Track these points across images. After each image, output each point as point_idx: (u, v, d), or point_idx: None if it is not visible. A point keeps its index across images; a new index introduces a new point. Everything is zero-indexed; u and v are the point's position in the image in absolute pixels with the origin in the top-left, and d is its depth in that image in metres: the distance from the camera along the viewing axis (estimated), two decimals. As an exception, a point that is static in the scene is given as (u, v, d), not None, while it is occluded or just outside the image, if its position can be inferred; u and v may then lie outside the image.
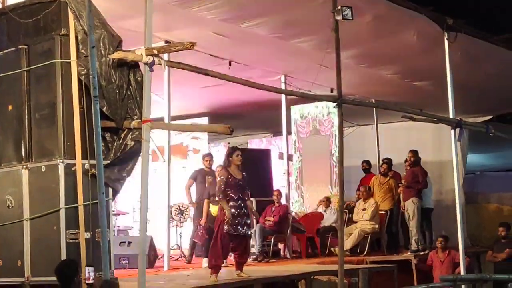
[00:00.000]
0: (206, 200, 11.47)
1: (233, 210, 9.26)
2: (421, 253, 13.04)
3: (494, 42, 12.44)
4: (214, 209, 11.62)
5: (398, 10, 10.68)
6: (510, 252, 12.97)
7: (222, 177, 9.44)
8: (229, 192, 9.37)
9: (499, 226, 13.40)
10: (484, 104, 15.53)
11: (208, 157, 12.76)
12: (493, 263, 13.22)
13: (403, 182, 13.50)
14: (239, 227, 9.28)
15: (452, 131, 11.22)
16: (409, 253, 13.10)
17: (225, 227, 9.20)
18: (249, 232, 9.73)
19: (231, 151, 9.64)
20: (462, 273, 11.00)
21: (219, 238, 9.20)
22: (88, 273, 6.92)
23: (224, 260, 10.15)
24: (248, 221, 9.62)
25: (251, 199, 12.86)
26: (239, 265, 9.54)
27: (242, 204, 9.44)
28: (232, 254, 10.00)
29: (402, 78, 13.59)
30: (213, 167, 12.83)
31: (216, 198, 9.72)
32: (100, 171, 6.86)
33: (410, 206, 13.16)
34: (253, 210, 11.19)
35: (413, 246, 13.10)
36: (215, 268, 9.16)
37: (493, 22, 11.83)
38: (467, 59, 12.34)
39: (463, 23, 11.57)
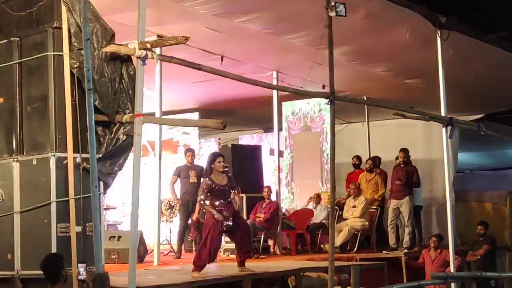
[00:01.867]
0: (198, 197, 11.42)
1: (223, 214, 9.23)
2: (411, 251, 13.07)
3: (487, 40, 12.46)
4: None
5: (391, 7, 10.67)
6: (486, 249, 13.06)
7: (205, 188, 9.23)
8: (216, 201, 9.25)
9: (477, 225, 13.46)
10: (475, 102, 15.57)
11: (190, 152, 12.76)
12: (474, 262, 13.29)
13: (400, 178, 13.36)
14: (227, 223, 9.27)
15: (444, 129, 11.24)
16: (405, 250, 13.06)
17: (224, 229, 9.19)
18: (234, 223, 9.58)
19: (213, 157, 9.39)
20: (452, 271, 11.02)
21: (209, 240, 9.12)
22: (79, 269, 6.88)
23: None
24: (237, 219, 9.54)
25: (241, 194, 12.94)
26: (241, 260, 9.50)
27: (226, 207, 9.38)
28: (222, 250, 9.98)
29: (394, 76, 13.60)
30: (196, 162, 12.85)
31: (204, 205, 9.47)
32: (93, 165, 6.84)
33: (405, 205, 13.14)
34: (237, 206, 11.08)
35: (406, 243, 13.11)
36: (200, 267, 9.10)
37: (486, 21, 11.84)
38: (459, 57, 12.36)
39: (455, 21, 11.58)
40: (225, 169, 9.46)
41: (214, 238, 9.15)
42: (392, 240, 13.29)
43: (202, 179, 9.67)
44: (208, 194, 9.22)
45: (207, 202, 9.28)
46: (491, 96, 15.09)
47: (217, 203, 9.21)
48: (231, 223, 9.24)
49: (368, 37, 11.32)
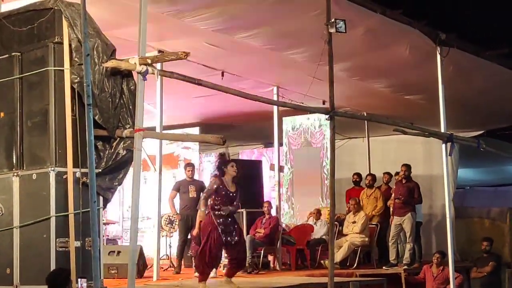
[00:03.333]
0: (199, 211, 11.40)
1: (223, 220, 9.16)
2: (411, 267, 13.06)
3: (487, 57, 12.50)
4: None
5: (391, 24, 10.72)
6: (493, 265, 13.01)
7: (214, 185, 9.14)
8: (218, 201, 9.19)
9: (482, 241, 13.43)
10: (475, 119, 15.59)
11: (190, 167, 12.72)
12: (479, 279, 13.24)
13: (399, 197, 13.40)
14: (231, 236, 9.19)
15: (443, 145, 11.25)
16: (404, 266, 13.03)
17: (222, 237, 9.08)
18: (237, 238, 9.50)
19: (226, 161, 9.32)
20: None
21: (209, 247, 9.05)
22: (80, 284, 6.87)
23: (214, 270, 10.13)
24: (236, 226, 9.47)
25: (241, 210, 12.94)
26: (233, 273, 9.48)
27: (230, 216, 9.32)
28: (222, 265, 9.95)
29: (394, 92, 13.62)
30: (196, 177, 12.84)
31: (201, 207, 9.43)
32: (92, 180, 6.85)
33: (407, 221, 13.11)
34: None
35: (406, 259, 13.09)
36: (203, 275, 9.07)
37: (486, 37, 11.88)
38: (459, 74, 12.39)
39: (455, 38, 11.63)
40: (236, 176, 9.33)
41: (215, 244, 9.04)
42: (392, 256, 13.26)
43: (208, 185, 9.53)
44: (209, 196, 9.15)
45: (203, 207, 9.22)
46: (491, 112, 15.11)
47: (221, 213, 9.15)
48: (235, 238, 9.19)
49: (368, 54, 11.36)
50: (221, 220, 9.12)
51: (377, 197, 14.23)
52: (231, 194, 9.23)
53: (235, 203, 9.30)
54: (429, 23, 11.23)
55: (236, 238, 9.20)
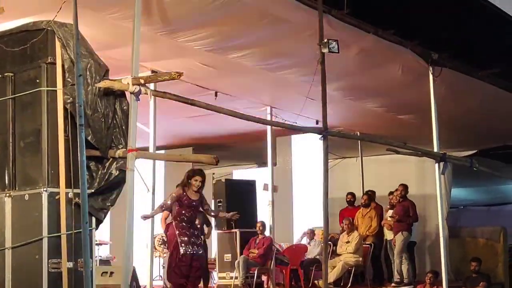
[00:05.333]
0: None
1: (184, 231, 9.33)
2: (405, 287, 13.03)
3: (479, 77, 12.55)
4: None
5: (383, 44, 10.77)
6: (484, 286, 13.00)
7: (174, 194, 9.54)
8: (182, 211, 9.45)
9: (471, 261, 13.43)
10: (468, 138, 15.62)
11: None
12: None
13: (393, 216, 13.47)
14: (194, 247, 9.34)
15: (436, 164, 11.27)
16: (392, 285, 13.06)
17: (182, 248, 9.24)
18: (201, 252, 9.68)
19: (192, 174, 9.67)
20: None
21: (174, 257, 9.24)
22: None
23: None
24: (199, 241, 9.63)
25: (235, 230, 12.95)
26: None
27: (193, 226, 9.48)
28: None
29: (387, 111, 13.66)
30: None
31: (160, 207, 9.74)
32: (84, 200, 6.82)
33: (398, 239, 13.16)
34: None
35: (396, 278, 13.09)
36: (176, 286, 9.12)
37: (478, 57, 11.92)
38: (452, 94, 12.43)
39: (448, 58, 11.67)
40: (199, 190, 9.57)
41: (179, 256, 9.19)
42: (385, 275, 13.27)
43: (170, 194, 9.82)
44: (172, 203, 9.39)
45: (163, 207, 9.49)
46: (484, 132, 15.14)
47: (183, 224, 9.34)
48: (199, 251, 9.32)
49: (361, 73, 11.39)
50: (183, 230, 9.26)
51: (372, 217, 14.24)
52: (193, 203, 9.51)
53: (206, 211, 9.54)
54: (421, 43, 11.27)
55: (201, 251, 9.33)
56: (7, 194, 7.62)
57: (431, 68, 11.45)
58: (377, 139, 13.27)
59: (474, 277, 13.25)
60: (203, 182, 9.65)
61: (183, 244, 9.33)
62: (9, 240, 7.53)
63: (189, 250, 9.37)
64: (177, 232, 9.44)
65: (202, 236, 11.41)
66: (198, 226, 9.95)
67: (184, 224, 9.53)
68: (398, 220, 13.31)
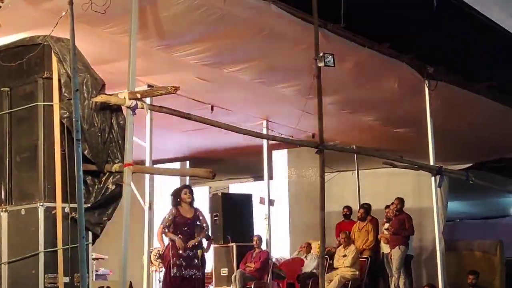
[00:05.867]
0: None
1: (180, 251, 9.33)
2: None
3: (475, 90, 12.57)
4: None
5: (379, 58, 10.79)
6: None
7: (169, 217, 9.70)
8: (178, 232, 9.59)
9: (468, 274, 13.43)
10: (464, 151, 15.63)
11: None
12: None
13: (389, 228, 13.49)
14: (187, 270, 9.34)
15: (433, 178, 11.28)
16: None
17: (173, 270, 9.25)
18: (194, 273, 9.66)
19: (178, 190, 9.79)
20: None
21: (167, 278, 9.25)
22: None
23: None
24: (195, 262, 9.60)
25: (231, 244, 12.93)
26: None
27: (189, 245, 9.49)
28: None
29: (383, 125, 13.67)
30: None
31: (165, 231, 9.86)
32: (81, 215, 6.82)
33: (396, 254, 13.15)
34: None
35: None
36: None
37: (474, 71, 11.96)
38: (448, 107, 12.45)
39: (443, 71, 11.70)
40: (192, 203, 9.59)
41: (172, 276, 9.19)
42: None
43: (165, 216, 9.82)
44: (169, 225, 9.37)
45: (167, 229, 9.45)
46: (480, 145, 15.15)
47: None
48: (193, 272, 9.32)
49: (357, 87, 11.41)
50: (177, 252, 9.27)
51: (369, 230, 14.24)
52: (188, 221, 9.62)
53: (200, 233, 9.50)
54: (417, 56, 11.29)
55: (193, 272, 9.29)
56: (3, 209, 7.61)
57: (426, 82, 11.48)
58: (373, 152, 13.29)
59: (471, 291, 13.25)
60: (191, 193, 9.68)
61: (175, 267, 9.39)
62: (5, 255, 7.51)
63: (181, 273, 9.40)
64: (171, 253, 9.50)
65: (199, 251, 11.40)
66: (195, 244, 9.88)
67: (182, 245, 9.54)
68: (394, 233, 13.32)
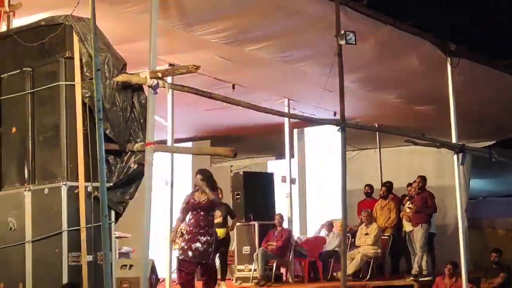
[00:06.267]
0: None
1: (189, 236, 9.41)
2: (424, 279, 12.99)
3: (497, 67, 12.47)
4: (220, 232, 11.64)
5: (401, 35, 10.73)
6: (504, 277, 12.94)
7: (185, 201, 9.80)
8: (190, 216, 9.77)
9: (491, 252, 13.37)
10: (486, 129, 15.54)
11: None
12: None
13: (411, 207, 13.45)
14: (189, 252, 9.43)
15: (455, 156, 11.22)
16: (410, 278, 13.04)
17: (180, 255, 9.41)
18: (197, 257, 9.63)
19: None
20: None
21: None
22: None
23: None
24: (202, 247, 9.58)
25: (253, 222, 12.99)
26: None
27: (199, 230, 9.50)
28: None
29: (405, 103, 13.61)
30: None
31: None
32: (103, 194, 6.85)
33: (418, 232, 13.12)
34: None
35: (414, 270, 13.06)
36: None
37: (497, 47, 11.87)
38: (470, 84, 12.37)
39: (465, 48, 11.61)
40: (200, 185, 9.61)
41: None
42: (404, 267, 13.25)
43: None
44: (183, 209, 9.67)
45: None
46: (502, 122, 15.06)
47: (183, 225, 9.69)
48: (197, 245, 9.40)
49: (378, 65, 11.36)
50: (187, 236, 9.66)
51: (391, 209, 14.22)
52: (195, 202, 9.66)
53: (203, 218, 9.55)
54: (438, 34, 11.21)
55: (198, 245, 9.37)
56: (27, 188, 7.67)
57: (449, 59, 11.40)
58: (395, 130, 13.25)
59: (494, 268, 13.19)
60: (203, 179, 9.63)
61: (181, 251, 9.51)
62: (29, 234, 7.58)
63: (183, 256, 9.53)
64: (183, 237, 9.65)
65: (221, 230, 11.54)
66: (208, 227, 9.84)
67: (190, 228, 9.62)
68: (416, 211, 13.28)
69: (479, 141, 16.00)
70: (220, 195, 12.07)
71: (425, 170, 15.00)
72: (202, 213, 9.56)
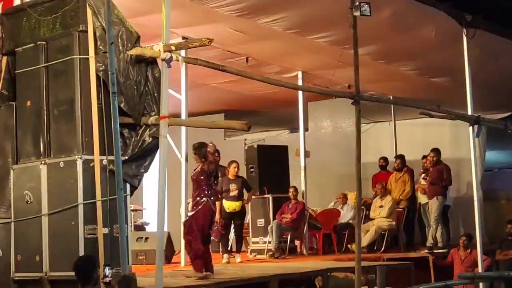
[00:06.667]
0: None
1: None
2: (439, 251, 13.01)
3: (513, 38, 12.37)
4: (228, 205, 11.68)
5: (416, 6, 10.64)
6: None
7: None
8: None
9: (506, 223, 13.33)
10: (502, 100, 15.44)
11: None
12: (503, 261, 13.12)
13: (426, 179, 13.42)
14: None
15: (470, 127, 11.16)
16: (425, 250, 13.05)
17: None
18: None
19: None
20: (480, 271, 10.94)
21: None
22: (105, 272, 6.86)
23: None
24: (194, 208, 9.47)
25: (268, 195, 13.03)
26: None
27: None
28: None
29: (420, 75, 13.53)
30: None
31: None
32: (118, 167, 6.88)
33: (434, 204, 13.11)
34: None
35: (429, 242, 13.08)
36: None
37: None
38: (486, 55, 12.27)
39: (481, 19, 11.51)
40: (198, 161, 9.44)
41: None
42: (418, 239, 13.27)
43: None
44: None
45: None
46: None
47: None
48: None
49: (393, 36, 11.29)
50: None
51: (405, 181, 14.19)
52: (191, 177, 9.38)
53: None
54: (454, 5, 11.11)
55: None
56: (43, 162, 7.73)
57: (464, 30, 11.31)
58: (409, 103, 13.18)
59: (509, 239, 13.18)
60: (194, 153, 9.39)
61: None
62: (45, 207, 7.65)
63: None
64: None
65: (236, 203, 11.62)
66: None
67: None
68: (432, 183, 13.25)
69: (495, 113, 15.90)
70: (236, 168, 12.12)
71: (441, 142, 14.94)
72: (194, 186, 9.41)
